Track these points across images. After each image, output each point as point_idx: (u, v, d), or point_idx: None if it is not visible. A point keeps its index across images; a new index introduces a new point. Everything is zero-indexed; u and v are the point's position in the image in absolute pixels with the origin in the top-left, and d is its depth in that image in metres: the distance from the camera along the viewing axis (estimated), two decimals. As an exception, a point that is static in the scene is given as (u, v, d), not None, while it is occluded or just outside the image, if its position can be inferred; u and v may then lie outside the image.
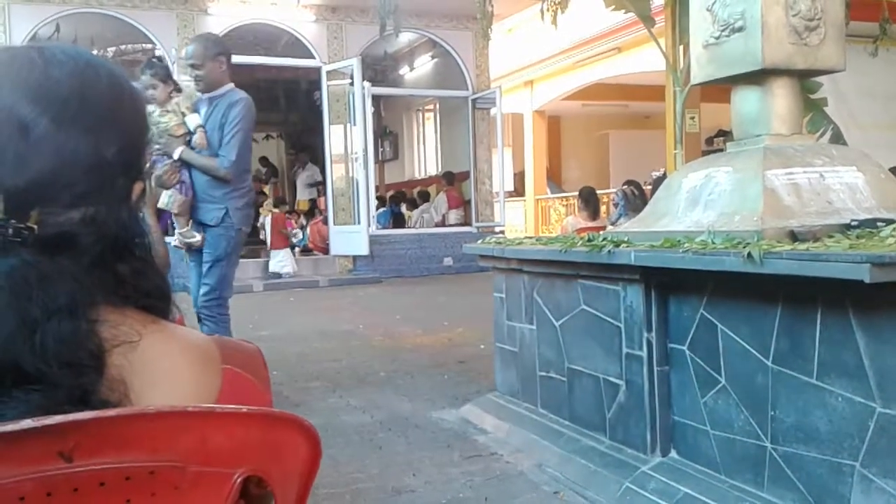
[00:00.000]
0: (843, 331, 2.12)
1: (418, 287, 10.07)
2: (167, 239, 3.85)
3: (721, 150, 3.51)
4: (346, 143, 11.22)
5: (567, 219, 8.97)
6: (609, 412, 3.06)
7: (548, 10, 5.97)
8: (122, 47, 11.11)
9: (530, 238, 4.32)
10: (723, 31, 2.92)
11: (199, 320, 3.86)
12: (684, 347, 2.75)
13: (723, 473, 2.58)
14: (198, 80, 3.92)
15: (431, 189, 13.72)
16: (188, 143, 3.87)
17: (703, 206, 2.88)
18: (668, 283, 2.79)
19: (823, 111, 5.41)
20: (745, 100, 2.99)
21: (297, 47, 11.21)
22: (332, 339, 6.30)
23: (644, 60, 11.24)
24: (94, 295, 0.71)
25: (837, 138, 5.32)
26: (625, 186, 7.45)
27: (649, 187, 8.73)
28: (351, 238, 11.07)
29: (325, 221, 11.75)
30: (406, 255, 11.36)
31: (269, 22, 10.90)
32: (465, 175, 12.55)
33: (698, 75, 3.13)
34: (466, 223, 12.26)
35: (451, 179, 12.71)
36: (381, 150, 15.44)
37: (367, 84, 10.86)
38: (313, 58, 11.18)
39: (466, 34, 11.88)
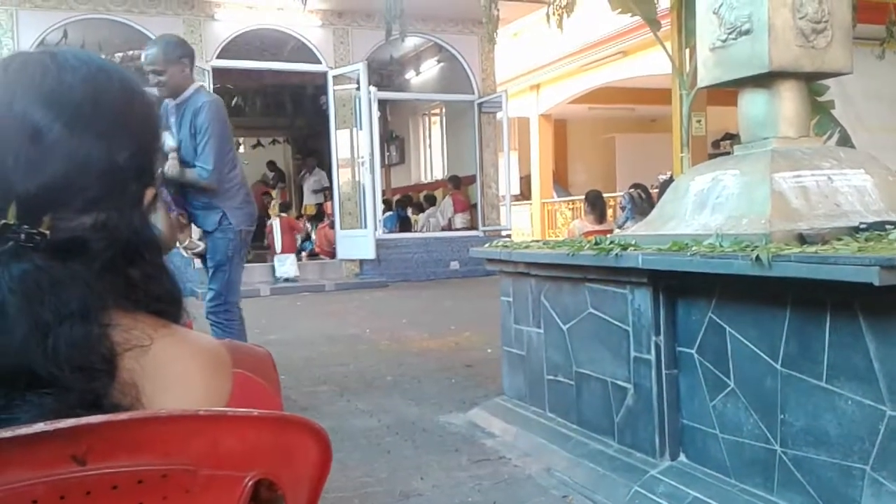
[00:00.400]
0: (852, 334, 2.11)
1: (425, 291, 10.07)
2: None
3: (727, 153, 3.51)
4: (353, 147, 11.25)
5: (574, 222, 8.96)
6: (617, 416, 3.06)
7: (554, 14, 5.98)
8: (130, 53, 11.15)
9: (537, 242, 4.32)
10: (729, 33, 2.91)
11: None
12: (693, 351, 2.74)
13: (732, 477, 2.57)
14: (160, 85, 3.74)
15: (438, 193, 13.72)
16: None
17: (710, 210, 2.88)
18: (676, 287, 2.79)
19: (830, 114, 5.40)
20: (753, 103, 2.99)
21: (303, 52, 11.24)
22: (339, 344, 6.30)
23: (650, 64, 11.23)
24: (106, 299, 0.71)
25: (845, 141, 5.31)
26: (632, 190, 7.44)
27: (656, 190, 8.71)
28: (357, 242, 11.08)
29: (332, 226, 11.77)
30: (412, 259, 11.36)
31: (275, 27, 10.93)
32: (472, 179, 12.56)
33: (705, 78, 3.12)
34: (473, 227, 12.26)
35: (457, 183, 12.71)
36: (387, 154, 15.46)
37: (373, 88, 10.88)
38: (320, 63, 11.21)
39: (472, 38, 11.89)
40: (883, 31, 6.00)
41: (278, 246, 11.26)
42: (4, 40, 9.68)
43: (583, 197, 8.76)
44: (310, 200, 14.64)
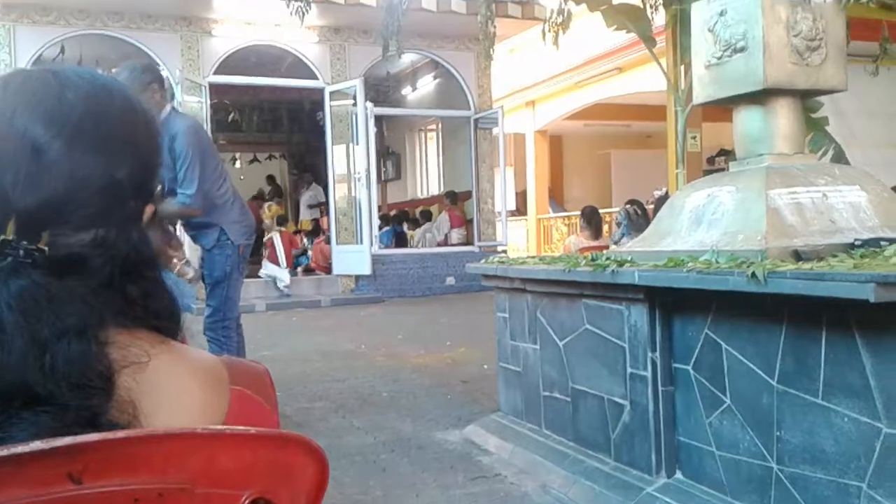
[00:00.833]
0: (848, 350, 2.11)
1: (420, 306, 10.06)
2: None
3: (722, 170, 3.52)
4: (349, 162, 11.27)
5: (570, 238, 8.97)
6: (614, 433, 3.05)
7: (549, 30, 6.00)
8: (115, 70, 11.18)
9: (533, 257, 4.32)
10: (724, 51, 2.94)
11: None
12: (689, 367, 2.74)
13: (728, 495, 2.56)
14: None
15: (434, 208, 13.74)
16: None
17: (706, 226, 2.89)
18: (672, 303, 2.79)
19: (825, 130, 5.43)
20: (748, 119, 3.01)
21: (300, 68, 11.28)
22: (334, 359, 6.28)
23: (645, 80, 11.29)
24: (104, 316, 0.71)
25: (839, 157, 5.33)
26: (628, 206, 7.45)
27: (651, 206, 8.74)
28: (353, 257, 11.07)
29: (328, 241, 11.77)
30: (408, 275, 11.36)
31: (272, 43, 10.97)
32: (468, 194, 12.58)
33: (700, 95, 3.14)
34: (469, 242, 12.27)
35: (453, 199, 12.73)
36: (383, 169, 15.49)
37: (369, 104, 10.92)
38: (316, 78, 11.25)
39: (468, 55, 11.95)
40: (876, 48, 6.04)
41: (283, 261, 11.28)
42: (2, 55, 9.70)
43: (578, 213, 8.77)
44: (305, 216, 14.65)
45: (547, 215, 15.97)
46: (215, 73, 10.66)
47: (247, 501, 0.69)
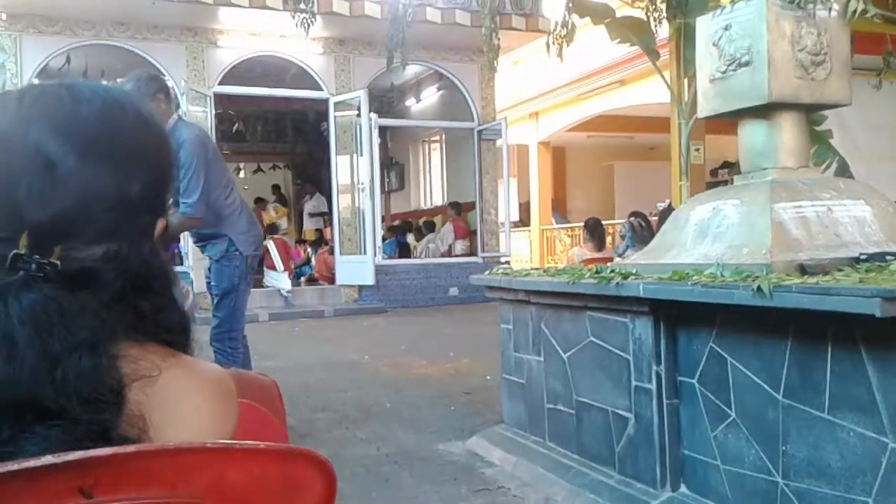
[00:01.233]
0: (854, 365, 2.11)
1: (424, 317, 10.05)
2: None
3: (726, 182, 3.53)
4: (353, 173, 11.29)
5: (573, 249, 8.96)
6: (618, 446, 3.04)
7: (553, 43, 6.01)
8: (121, 81, 11.22)
9: (537, 269, 4.32)
10: (729, 65, 2.94)
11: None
12: (694, 381, 2.73)
13: (734, 509, 2.55)
14: None
15: (437, 219, 13.75)
16: None
17: (711, 239, 2.89)
18: (677, 316, 2.79)
19: (829, 143, 5.43)
20: (753, 133, 3.01)
21: (304, 79, 11.32)
22: (337, 370, 6.27)
23: (648, 93, 11.31)
24: (115, 330, 0.71)
25: (844, 170, 5.33)
26: (632, 218, 7.45)
27: (655, 218, 8.73)
28: (357, 268, 11.08)
29: (332, 251, 11.78)
30: (412, 285, 11.35)
31: (277, 54, 11.01)
32: (471, 205, 12.59)
33: (705, 109, 3.15)
34: (472, 253, 12.27)
35: (457, 210, 12.74)
36: (387, 180, 15.51)
37: (373, 115, 10.95)
38: (321, 89, 11.28)
39: (472, 66, 11.99)
40: (880, 61, 6.04)
41: (279, 264, 11.26)
42: (8, 65, 9.74)
43: (582, 224, 8.77)
44: (308, 225, 14.67)
45: (550, 226, 15.97)
46: (220, 83, 10.70)
47: (255, 516, 0.69)
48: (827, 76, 2.88)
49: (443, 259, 12.18)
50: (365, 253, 10.98)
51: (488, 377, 5.38)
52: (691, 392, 2.75)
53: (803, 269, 2.43)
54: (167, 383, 0.73)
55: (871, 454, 2.07)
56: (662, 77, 6.20)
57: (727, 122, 3.24)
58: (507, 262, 11.40)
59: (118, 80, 10.62)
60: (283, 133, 16.45)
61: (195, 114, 9.85)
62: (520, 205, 16.86)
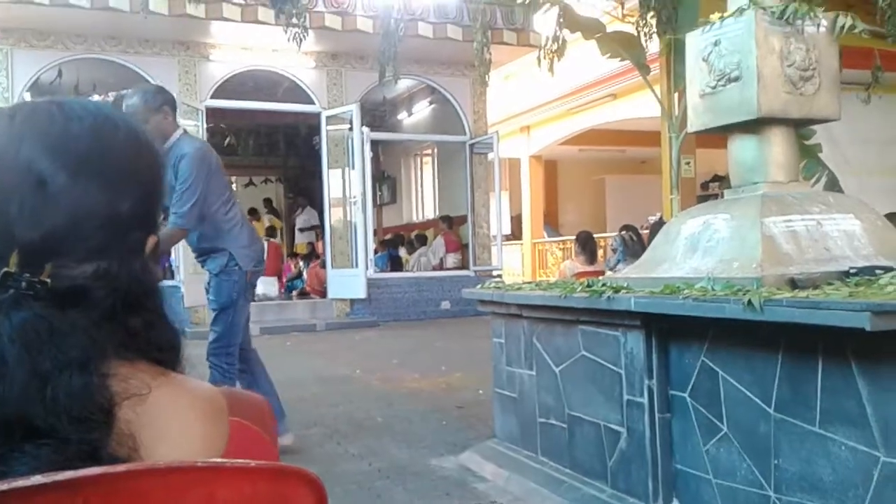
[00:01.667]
0: (844, 379, 2.11)
1: (415, 331, 10.03)
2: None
3: (716, 195, 3.54)
4: (345, 187, 11.29)
5: (565, 263, 8.98)
6: (610, 460, 3.04)
7: (545, 57, 6.05)
8: (124, 92, 11.22)
9: (529, 283, 4.33)
10: (719, 80, 2.97)
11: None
12: (685, 394, 2.74)
13: (726, 523, 2.54)
14: None
15: (429, 233, 13.75)
16: None
17: (701, 253, 2.90)
18: (668, 330, 2.79)
19: (818, 157, 5.47)
20: (742, 148, 3.03)
21: (297, 93, 11.34)
22: (329, 384, 6.25)
23: (639, 107, 11.38)
24: (106, 348, 0.71)
25: (833, 184, 5.36)
26: (623, 232, 7.48)
27: (646, 232, 8.77)
28: (349, 281, 11.06)
29: (323, 265, 11.77)
30: (403, 299, 11.34)
31: (269, 68, 11.03)
32: (463, 219, 12.60)
33: (695, 123, 3.17)
34: (464, 267, 12.27)
35: (449, 223, 12.75)
36: (379, 193, 15.52)
37: (365, 129, 10.97)
38: (313, 103, 11.30)
39: (464, 80, 12.03)
40: (868, 76, 6.10)
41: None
42: (-1, 79, 9.74)
43: (573, 237, 8.79)
44: (300, 239, 14.66)
45: (542, 240, 16.00)
46: (212, 97, 10.70)
47: (246, 535, 0.69)
48: (816, 91, 2.91)
49: (435, 273, 12.17)
50: (357, 266, 10.97)
51: (480, 391, 5.37)
52: (683, 406, 2.75)
53: (794, 283, 2.44)
54: (157, 401, 0.72)
55: (863, 468, 2.08)
56: (653, 91, 6.25)
57: (717, 136, 3.26)
58: (499, 276, 11.41)
59: (123, 91, 10.62)
60: (274, 147, 16.46)
61: (187, 127, 9.79)
62: (511, 218, 16.89)
